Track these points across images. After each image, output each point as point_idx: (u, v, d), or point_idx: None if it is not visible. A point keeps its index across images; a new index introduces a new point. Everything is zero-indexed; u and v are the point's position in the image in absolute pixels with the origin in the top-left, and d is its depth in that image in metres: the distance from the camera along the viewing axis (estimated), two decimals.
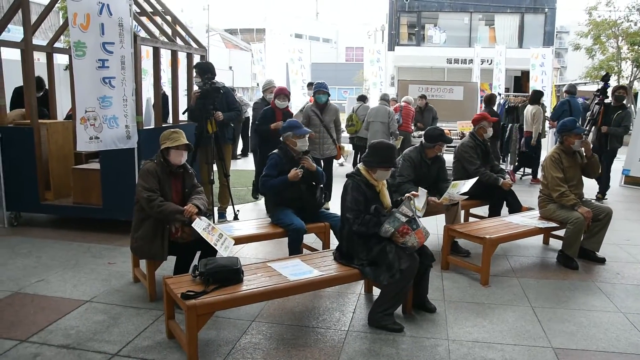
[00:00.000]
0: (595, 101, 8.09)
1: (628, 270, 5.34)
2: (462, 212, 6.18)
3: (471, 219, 6.51)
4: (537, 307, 4.36)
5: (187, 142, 4.22)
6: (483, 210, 6.43)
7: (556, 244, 5.86)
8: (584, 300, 4.55)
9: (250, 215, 7.11)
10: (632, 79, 22.70)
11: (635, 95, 26.07)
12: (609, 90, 8.50)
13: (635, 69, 22.33)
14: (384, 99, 9.92)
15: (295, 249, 4.76)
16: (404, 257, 3.76)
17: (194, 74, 6.66)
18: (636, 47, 21.67)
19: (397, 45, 27.37)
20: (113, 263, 5.15)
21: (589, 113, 8.61)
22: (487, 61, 19.80)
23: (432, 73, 23.96)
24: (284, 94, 7.00)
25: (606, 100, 8.48)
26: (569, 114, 9.84)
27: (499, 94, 14.44)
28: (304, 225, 4.77)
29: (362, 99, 11.58)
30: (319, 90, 7.30)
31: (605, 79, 7.83)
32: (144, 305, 4.20)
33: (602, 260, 5.51)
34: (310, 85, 11.61)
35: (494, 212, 6.15)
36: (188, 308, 3.22)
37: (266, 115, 6.96)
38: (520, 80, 25.16)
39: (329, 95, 7.43)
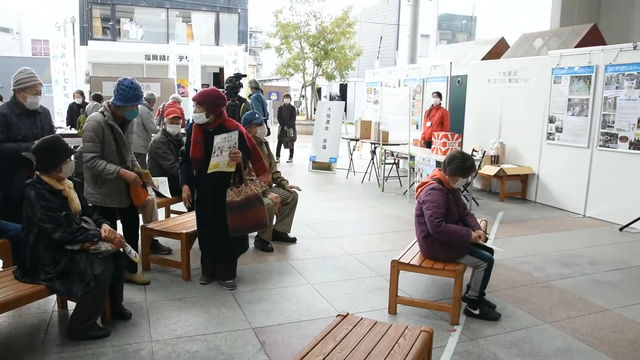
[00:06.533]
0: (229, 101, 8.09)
1: (315, 245, 6.02)
2: (163, 209, 6.14)
3: (172, 216, 6.48)
4: (236, 292, 4.58)
5: None
6: (180, 206, 6.47)
7: None
8: (279, 279, 4.95)
9: None
10: (314, 76, 25.67)
11: (319, 90, 29.54)
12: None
13: (316, 67, 25.30)
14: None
15: None
16: (96, 262, 3.54)
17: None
18: (315, 48, 24.58)
19: (90, 40, 25.66)
20: None
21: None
22: (185, 57, 20.01)
23: (129, 69, 23.01)
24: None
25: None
26: (261, 107, 10.82)
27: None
28: None
29: (98, 98, 10.44)
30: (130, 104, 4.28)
31: (239, 76, 8.07)
32: None
33: (294, 240, 6.09)
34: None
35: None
36: None
37: None
38: (218, 77, 26.14)
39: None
